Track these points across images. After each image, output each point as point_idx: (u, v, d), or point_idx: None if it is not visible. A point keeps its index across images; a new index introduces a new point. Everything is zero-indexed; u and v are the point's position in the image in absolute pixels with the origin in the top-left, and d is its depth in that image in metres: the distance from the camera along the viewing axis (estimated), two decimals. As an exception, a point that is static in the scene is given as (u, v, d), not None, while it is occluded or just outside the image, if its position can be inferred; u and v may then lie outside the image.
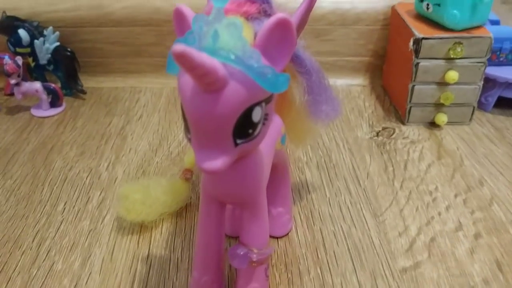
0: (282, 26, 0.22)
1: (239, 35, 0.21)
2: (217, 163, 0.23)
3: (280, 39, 0.23)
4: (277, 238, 0.41)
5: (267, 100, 0.24)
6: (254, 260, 0.31)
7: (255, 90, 0.22)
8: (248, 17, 0.26)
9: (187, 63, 0.18)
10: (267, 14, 0.28)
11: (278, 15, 0.22)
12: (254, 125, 0.24)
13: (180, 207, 0.44)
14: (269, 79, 0.22)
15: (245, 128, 0.23)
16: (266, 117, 0.25)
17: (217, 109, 0.22)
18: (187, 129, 0.25)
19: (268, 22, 0.22)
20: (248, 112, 0.23)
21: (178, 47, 0.18)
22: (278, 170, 0.38)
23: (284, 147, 0.37)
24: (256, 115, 0.23)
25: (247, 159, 0.28)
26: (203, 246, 0.33)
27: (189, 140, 0.25)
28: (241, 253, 0.31)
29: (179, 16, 0.24)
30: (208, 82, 0.21)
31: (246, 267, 0.31)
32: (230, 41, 0.21)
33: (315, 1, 0.32)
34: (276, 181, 0.39)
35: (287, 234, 0.41)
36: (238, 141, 0.24)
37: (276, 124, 0.34)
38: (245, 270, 0.32)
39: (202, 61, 0.19)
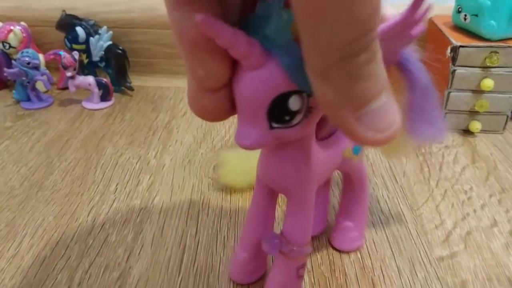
0: (408, 26, 0.24)
1: (283, 26, 0.22)
2: (249, 139, 0.24)
3: (397, 38, 0.25)
4: (339, 251, 0.40)
5: (312, 93, 0.24)
6: (285, 252, 0.31)
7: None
8: None
9: (208, 30, 0.20)
10: None
11: (404, 15, 0.24)
12: (291, 113, 0.24)
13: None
14: (301, 76, 0.22)
15: (280, 113, 0.24)
16: (310, 110, 0.25)
17: (251, 87, 0.23)
18: None
19: (396, 19, 0.24)
20: (284, 97, 0.23)
21: (200, 15, 0.19)
22: (353, 182, 0.39)
23: (358, 158, 0.36)
24: (294, 103, 0.24)
25: (294, 149, 0.28)
26: (248, 225, 0.35)
27: None
28: (274, 240, 0.32)
29: None
30: (241, 55, 0.22)
31: (275, 255, 0.32)
32: (274, 29, 0.22)
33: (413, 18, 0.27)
34: (350, 194, 0.40)
35: (354, 250, 0.41)
36: (274, 125, 0.24)
37: None
38: (278, 261, 0.33)
39: (223, 32, 0.20)
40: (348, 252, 0.40)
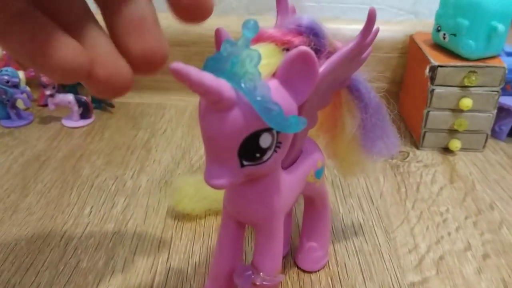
0: (303, 59, 0.23)
1: (253, 67, 0.22)
2: (221, 180, 0.24)
3: (301, 72, 0.24)
4: (303, 271, 0.41)
5: (281, 130, 0.24)
6: (257, 283, 0.31)
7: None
8: (291, 47, 0.26)
9: (182, 79, 0.19)
10: (314, 47, 0.27)
11: (300, 47, 0.23)
12: (262, 150, 0.24)
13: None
14: (272, 116, 0.22)
15: (251, 151, 0.24)
16: (279, 145, 0.25)
17: (222, 128, 0.23)
18: None
19: (289, 54, 0.23)
20: (255, 136, 0.23)
21: (175, 64, 0.19)
22: (315, 204, 0.39)
23: (320, 181, 0.36)
24: (265, 141, 0.24)
25: (261, 182, 0.28)
26: (217, 259, 0.34)
27: None
28: (246, 273, 0.31)
29: (217, 37, 0.27)
30: (212, 101, 0.22)
31: None
32: (244, 70, 0.22)
33: (368, 38, 0.29)
34: (312, 215, 0.40)
35: (318, 271, 0.41)
36: (245, 163, 0.24)
37: (312, 156, 0.34)
38: None
39: (200, 80, 0.20)
40: (319, 278, 0.40)
